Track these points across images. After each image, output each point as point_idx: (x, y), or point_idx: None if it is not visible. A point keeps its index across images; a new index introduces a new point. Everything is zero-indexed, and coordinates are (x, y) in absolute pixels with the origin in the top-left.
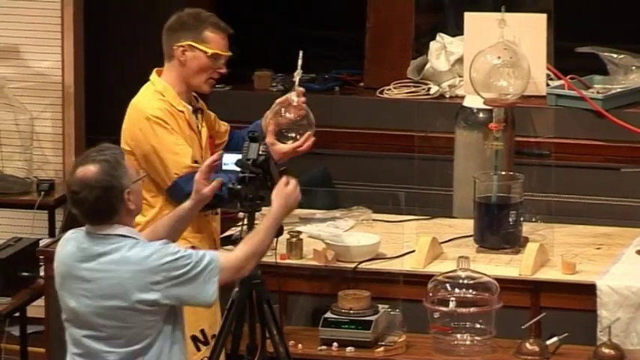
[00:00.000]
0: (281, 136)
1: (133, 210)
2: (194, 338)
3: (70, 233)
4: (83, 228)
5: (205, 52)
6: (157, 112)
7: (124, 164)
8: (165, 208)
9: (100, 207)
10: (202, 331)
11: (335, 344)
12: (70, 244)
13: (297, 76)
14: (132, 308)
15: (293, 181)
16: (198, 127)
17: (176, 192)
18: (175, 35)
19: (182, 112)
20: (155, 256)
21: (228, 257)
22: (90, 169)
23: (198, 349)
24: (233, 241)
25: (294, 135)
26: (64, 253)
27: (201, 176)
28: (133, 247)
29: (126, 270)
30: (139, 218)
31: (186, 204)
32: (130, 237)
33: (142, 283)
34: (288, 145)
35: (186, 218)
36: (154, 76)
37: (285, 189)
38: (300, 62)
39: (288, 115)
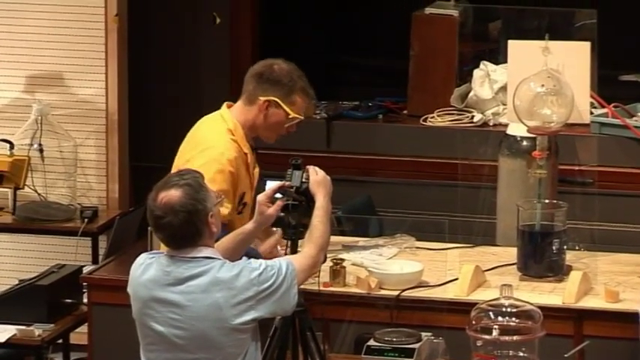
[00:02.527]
0: None
1: (214, 232)
2: None
3: (146, 258)
4: (160, 252)
5: (287, 114)
6: (232, 156)
7: (206, 187)
8: None
9: (186, 231)
10: None
11: None
12: (153, 267)
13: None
14: (227, 328)
15: (318, 169)
16: (252, 167)
17: None
18: (265, 86)
19: (246, 154)
20: (244, 272)
21: (300, 260)
22: (174, 194)
23: None
24: None
25: None
26: (146, 278)
27: (265, 199)
28: (221, 267)
29: (218, 289)
30: None
31: (249, 226)
32: (215, 258)
33: (236, 301)
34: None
35: (246, 241)
36: (225, 110)
37: (318, 177)
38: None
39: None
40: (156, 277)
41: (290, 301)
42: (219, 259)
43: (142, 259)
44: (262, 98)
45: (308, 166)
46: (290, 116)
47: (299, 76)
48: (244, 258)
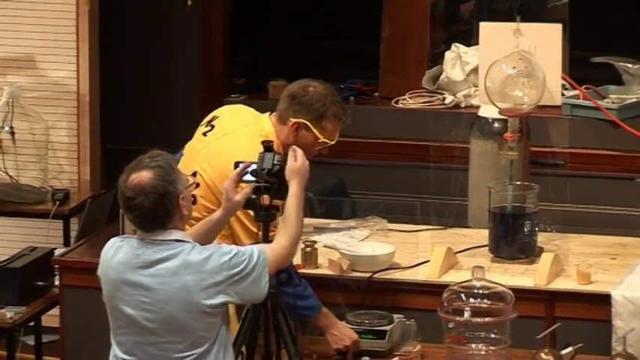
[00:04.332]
0: None
1: (185, 215)
2: None
3: (116, 240)
4: (131, 235)
5: (317, 138)
6: None
7: (177, 169)
8: None
9: (156, 212)
10: None
11: (350, 354)
12: (123, 250)
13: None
14: (197, 311)
15: (299, 153)
16: None
17: None
18: (296, 108)
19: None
20: (214, 256)
21: (273, 248)
22: (145, 175)
23: None
24: None
25: None
26: (117, 261)
27: (232, 184)
28: (192, 250)
29: (188, 273)
30: None
31: (217, 213)
32: (186, 241)
33: (205, 284)
34: None
35: (216, 228)
36: (269, 126)
37: (296, 164)
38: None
39: None
40: (126, 260)
41: (260, 289)
42: (190, 242)
43: (113, 241)
44: (292, 120)
45: (291, 149)
46: (320, 140)
47: (332, 102)
48: (216, 242)
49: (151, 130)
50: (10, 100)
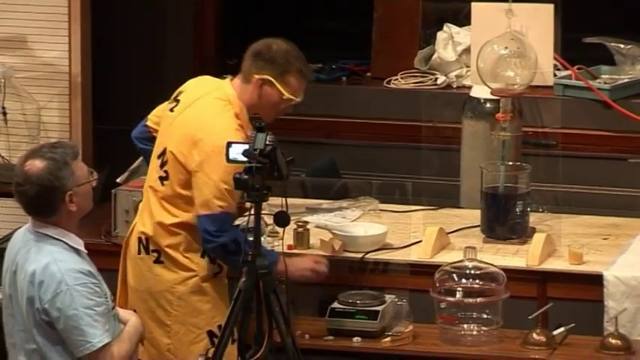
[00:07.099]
0: None
1: (74, 212)
2: (210, 333)
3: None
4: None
5: (281, 94)
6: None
7: (72, 166)
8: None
9: (39, 203)
10: (220, 327)
11: (342, 334)
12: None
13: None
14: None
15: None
16: None
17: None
18: (260, 64)
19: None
20: (61, 300)
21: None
22: (36, 165)
23: (213, 344)
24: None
25: None
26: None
27: None
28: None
29: (35, 290)
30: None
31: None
32: (60, 240)
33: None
34: None
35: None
36: (231, 91)
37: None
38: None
39: None
40: (16, 242)
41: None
42: (64, 242)
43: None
44: (256, 76)
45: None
46: (284, 97)
47: (296, 57)
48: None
49: (142, 111)
50: (2, 80)
